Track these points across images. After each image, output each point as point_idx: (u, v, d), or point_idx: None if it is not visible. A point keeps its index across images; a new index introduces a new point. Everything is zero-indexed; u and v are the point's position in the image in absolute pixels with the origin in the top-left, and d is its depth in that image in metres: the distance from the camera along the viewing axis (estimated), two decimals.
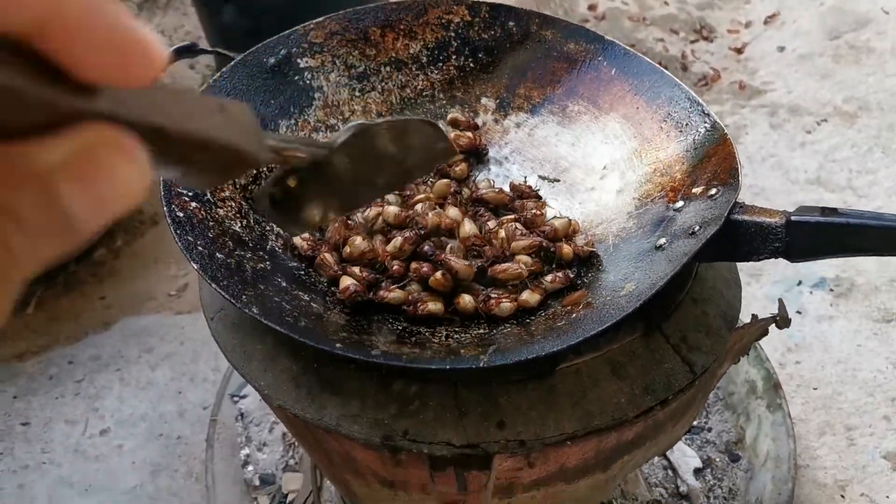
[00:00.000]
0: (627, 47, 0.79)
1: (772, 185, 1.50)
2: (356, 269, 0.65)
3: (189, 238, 0.62)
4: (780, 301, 0.71)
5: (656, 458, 0.99)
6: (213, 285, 0.58)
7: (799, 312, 1.22)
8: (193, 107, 0.21)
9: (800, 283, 1.27)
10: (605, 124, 0.78)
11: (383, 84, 0.83)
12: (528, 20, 0.83)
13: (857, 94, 1.68)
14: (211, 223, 0.65)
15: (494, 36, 0.84)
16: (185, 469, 1.07)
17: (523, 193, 0.74)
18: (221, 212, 0.67)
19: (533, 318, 0.62)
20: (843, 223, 0.53)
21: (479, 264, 0.65)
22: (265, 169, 0.73)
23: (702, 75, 1.81)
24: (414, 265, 0.63)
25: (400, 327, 0.62)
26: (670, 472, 0.98)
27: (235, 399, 1.10)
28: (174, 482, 1.06)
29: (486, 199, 0.73)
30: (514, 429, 0.58)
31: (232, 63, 0.76)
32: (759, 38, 1.90)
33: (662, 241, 0.61)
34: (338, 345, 0.55)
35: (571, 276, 0.64)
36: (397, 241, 0.65)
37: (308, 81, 0.80)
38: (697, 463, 0.99)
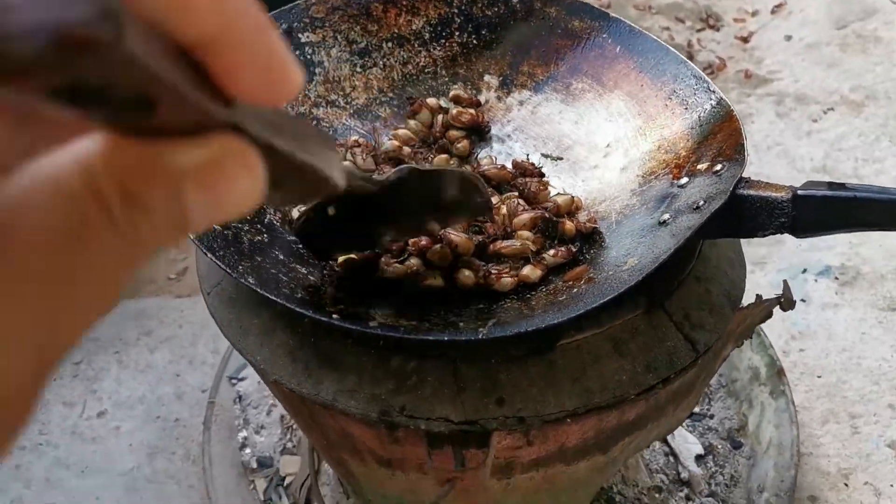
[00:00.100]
0: (632, 24, 0.78)
1: (777, 173, 1.48)
2: None
3: None
4: (785, 283, 0.70)
5: (657, 444, 0.98)
6: (209, 255, 0.57)
7: (803, 300, 1.21)
8: (297, 129, 0.21)
9: (805, 270, 1.25)
10: (609, 102, 0.77)
11: (385, 60, 0.82)
12: None
13: (864, 83, 1.66)
14: None
15: (498, 12, 0.83)
16: (182, 451, 1.06)
17: (526, 171, 0.73)
18: None
19: (534, 293, 0.61)
20: (850, 197, 0.52)
21: (480, 240, 0.64)
22: None
23: (707, 64, 1.80)
24: (413, 239, 0.62)
25: (398, 301, 0.61)
26: (671, 459, 0.97)
27: (234, 381, 1.09)
28: (171, 464, 1.05)
29: (488, 175, 0.72)
30: (514, 405, 0.57)
31: None
32: (765, 27, 1.89)
33: (666, 216, 0.60)
34: (334, 315, 0.54)
35: (574, 250, 0.63)
36: None
37: (309, 56, 0.79)
38: (699, 449, 0.98)
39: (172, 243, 0.18)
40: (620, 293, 0.52)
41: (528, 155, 0.75)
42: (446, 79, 0.82)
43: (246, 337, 0.64)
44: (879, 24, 1.79)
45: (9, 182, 0.16)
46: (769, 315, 0.72)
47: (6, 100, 0.16)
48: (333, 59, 0.80)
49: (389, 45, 0.82)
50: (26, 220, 0.15)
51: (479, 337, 0.52)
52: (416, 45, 0.83)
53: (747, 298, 0.68)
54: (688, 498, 0.93)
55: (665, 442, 0.98)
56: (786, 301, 0.70)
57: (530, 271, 0.61)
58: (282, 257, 0.63)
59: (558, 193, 0.70)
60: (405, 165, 0.47)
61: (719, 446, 0.99)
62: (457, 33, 0.83)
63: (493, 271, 0.61)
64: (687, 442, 0.98)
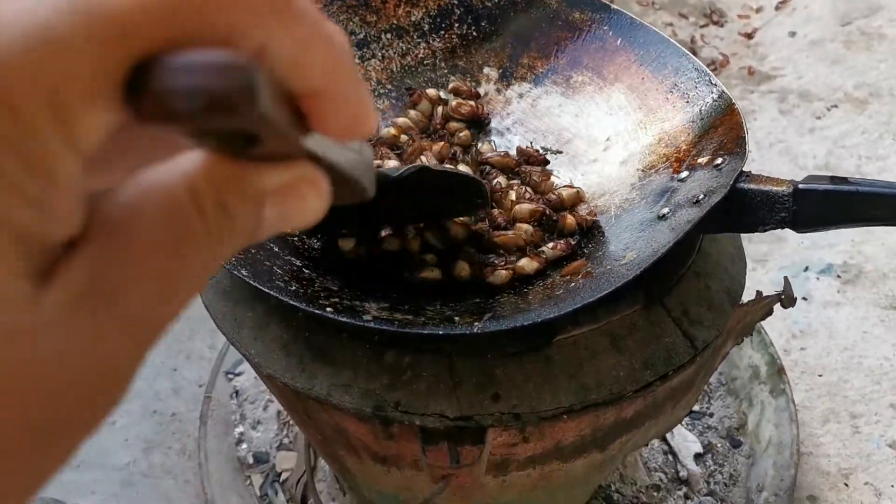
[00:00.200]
0: (633, 16, 0.77)
1: (779, 170, 1.47)
2: None
3: None
4: (786, 279, 0.69)
5: (656, 443, 0.97)
6: None
7: (805, 298, 1.20)
8: (348, 144, 0.24)
9: (806, 268, 1.25)
10: (609, 95, 0.76)
11: (384, 52, 0.81)
12: None
13: (868, 81, 1.65)
14: None
15: (498, 3, 0.82)
16: (178, 446, 1.06)
17: (531, 158, 0.72)
18: None
19: (531, 287, 0.60)
20: (852, 191, 0.51)
21: (483, 227, 0.63)
22: None
23: (710, 60, 1.78)
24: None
25: (394, 295, 0.60)
26: (670, 457, 0.96)
27: (230, 376, 1.08)
28: (167, 459, 1.04)
29: (491, 162, 0.71)
30: (510, 401, 0.56)
31: None
32: (769, 23, 1.88)
33: (665, 210, 0.59)
34: (328, 308, 0.53)
35: (573, 243, 0.62)
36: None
37: None
38: (698, 448, 0.97)
39: (244, 245, 0.20)
40: (617, 288, 0.51)
41: (531, 142, 0.74)
42: (445, 71, 0.81)
43: (240, 330, 0.63)
44: (884, 21, 1.78)
45: (113, 197, 0.18)
46: (770, 312, 0.71)
47: (153, 133, 0.19)
48: None
49: (388, 36, 0.81)
50: (139, 230, 0.18)
51: (475, 331, 0.51)
52: (415, 37, 0.82)
53: (748, 296, 0.68)
54: (686, 497, 0.92)
55: (664, 440, 0.97)
56: (786, 298, 0.69)
57: (526, 263, 0.60)
58: (276, 249, 0.62)
59: (565, 186, 0.69)
60: (418, 164, 0.51)
61: (719, 445, 0.98)
62: (456, 25, 0.82)
63: (487, 264, 0.61)
64: (686, 440, 0.97)
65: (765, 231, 0.56)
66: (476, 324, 0.52)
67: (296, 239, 0.64)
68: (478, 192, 0.56)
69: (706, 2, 1.96)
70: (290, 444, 1.00)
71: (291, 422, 1.02)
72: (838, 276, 1.24)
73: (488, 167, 0.71)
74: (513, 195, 0.65)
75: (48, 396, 0.17)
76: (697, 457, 0.96)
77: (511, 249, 0.62)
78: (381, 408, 0.57)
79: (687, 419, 1.00)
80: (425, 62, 0.81)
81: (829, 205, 0.52)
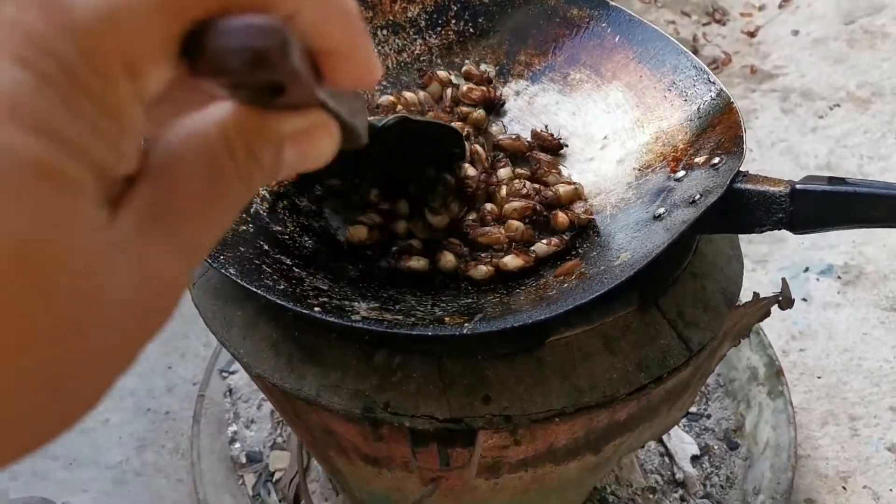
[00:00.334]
0: (632, 13, 0.76)
1: (781, 170, 1.46)
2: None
3: None
4: (784, 280, 0.68)
5: (653, 444, 0.97)
6: None
7: (805, 299, 1.19)
8: (343, 93, 0.26)
9: (807, 269, 1.23)
10: (607, 93, 0.75)
11: (379, 48, 0.80)
12: None
13: (871, 80, 1.64)
14: None
15: (495, 0, 0.81)
16: (171, 445, 1.05)
17: (545, 141, 0.71)
18: None
19: (523, 287, 0.59)
20: (850, 192, 0.50)
21: (466, 223, 0.63)
22: None
23: (713, 59, 1.77)
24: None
25: (385, 295, 0.59)
26: (667, 459, 0.95)
27: (224, 375, 1.07)
28: (160, 458, 1.04)
29: (502, 145, 0.70)
30: (500, 403, 0.55)
31: None
32: (772, 21, 1.86)
33: (661, 210, 0.58)
34: (316, 308, 0.52)
35: (566, 238, 0.61)
36: None
37: None
38: (695, 450, 0.96)
39: (266, 184, 0.24)
40: (609, 289, 0.50)
41: (546, 126, 0.74)
42: (442, 67, 0.80)
43: (230, 329, 0.62)
44: (888, 19, 1.77)
45: (162, 140, 0.22)
46: (767, 314, 0.70)
47: (201, 86, 0.22)
48: None
49: (384, 32, 0.80)
50: (184, 168, 0.21)
51: (464, 332, 0.50)
52: (411, 33, 0.81)
53: (747, 296, 0.67)
54: (682, 499, 0.91)
55: (661, 442, 0.96)
56: (784, 300, 0.68)
57: (510, 260, 0.59)
58: (266, 248, 0.61)
59: (563, 182, 0.68)
60: (399, 114, 0.53)
61: (716, 447, 0.97)
62: (453, 21, 0.81)
63: (474, 258, 0.60)
64: (683, 442, 0.96)
65: (762, 232, 0.55)
66: (466, 325, 0.51)
67: (286, 237, 0.64)
68: (456, 142, 0.58)
69: (709, 0, 1.95)
70: (283, 443, 0.99)
71: (285, 421, 1.01)
72: (839, 277, 1.23)
73: (499, 152, 0.71)
74: (504, 191, 0.64)
75: (124, 309, 0.19)
76: (694, 459, 0.95)
77: (497, 246, 0.61)
78: (370, 409, 0.56)
79: (684, 421, 0.99)
80: (421, 59, 0.80)
81: (826, 206, 0.51)
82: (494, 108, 0.77)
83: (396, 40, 0.81)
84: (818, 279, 1.23)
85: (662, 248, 0.51)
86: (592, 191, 0.68)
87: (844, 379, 1.09)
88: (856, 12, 1.80)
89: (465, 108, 0.75)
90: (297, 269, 0.59)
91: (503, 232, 0.61)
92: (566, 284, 0.56)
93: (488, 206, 0.64)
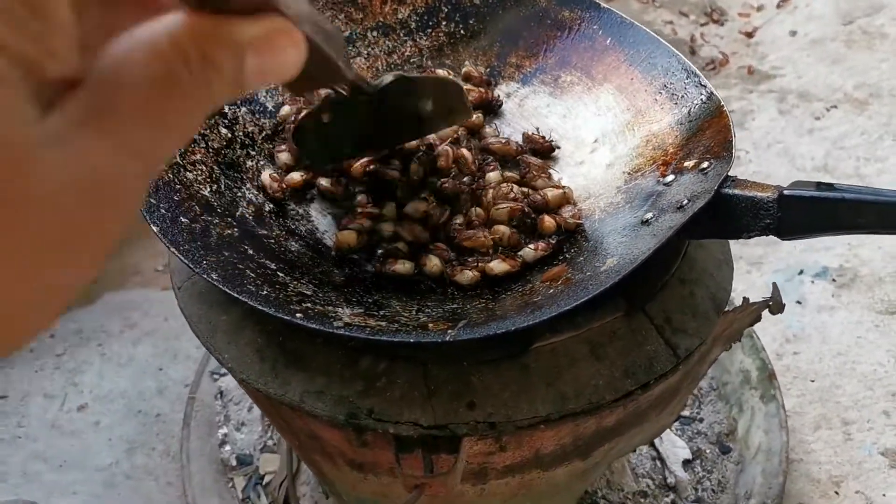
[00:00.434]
0: (624, 15, 0.75)
1: (777, 171, 1.46)
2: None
3: (151, 200, 0.59)
4: (774, 285, 0.68)
5: (645, 448, 0.96)
6: (172, 249, 0.55)
7: (799, 302, 1.18)
8: (322, 25, 0.27)
9: (801, 272, 1.23)
10: (597, 96, 0.74)
11: (369, 49, 0.79)
12: None
13: (869, 81, 1.63)
14: (178, 186, 0.62)
15: (486, 2, 0.80)
16: (162, 447, 1.05)
17: (537, 144, 0.71)
18: (190, 175, 0.64)
19: (510, 293, 0.59)
20: (838, 198, 0.49)
21: (451, 227, 0.63)
22: (242, 131, 0.70)
23: (710, 59, 1.76)
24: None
25: (370, 300, 0.58)
26: (658, 463, 0.95)
27: (215, 377, 1.07)
28: (150, 460, 1.03)
29: (491, 149, 0.70)
30: (485, 410, 0.55)
31: None
32: (770, 21, 1.85)
33: (649, 215, 0.58)
34: (298, 314, 0.52)
35: (553, 242, 0.61)
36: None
37: None
38: (687, 454, 0.95)
39: (233, 97, 0.24)
40: (594, 296, 0.50)
41: (537, 128, 0.73)
42: (432, 70, 0.79)
43: (214, 334, 0.62)
44: (886, 20, 1.76)
45: (107, 50, 0.21)
46: (758, 319, 0.69)
47: None
48: None
49: (374, 34, 0.80)
50: (129, 74, 0.21)
51: (447, 339, 0.50)
52: (401, 35, 0.80)
53: (744, 298, 0.66)
54: (673, 503, 0.91)
55: (652, 446, 0.96)
56: (775, 304, 0.67)
57: (496, 265, 0.59)
58: (251, 252, 0.60)
59: (552, 186, 0.67)
60: (396, 72, 0.53)
61: (708, 451, 0.97)
62: (444, 23, 0.81)
63: (460, 262, 0.60)
64: (675, 446, 0.96)
65: (749, 238, 0.54)
66: (449, 332, 0.50)
67: (272, 241, 0.63)
68: (458, 97, 0.59)
69: (707, 0, 1.94)
70: (273, 445, 0.99)
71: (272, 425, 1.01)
72: (833, 280, 1.22)
73: (488, 155, 0.70)
74: (490, 195, 0.63)
75: (57, 201, 0.20)
76: (686, 463, 0.95)
77: (483, 251, 0.61)
78: (354, 415, 0.55)
79: (676, 424, 0.99)
80: (412, 61, 0.80)
81: (814, 212, 0.51)
82: (492, 109, 0.76)
83: (387, 42, 0.80)
84: (813, 282, 1.22)
85: (648, 254, 0.51)
86: (582, 195, 0.68)
87: (838, 383, 1.08)
88: (854, 13, 1.79)
89: None
90: (281, 274, 0.59)
91: (489, 235, 0.61)
92: (552, 290, 0.55)
93: (475, 210, 0.63)
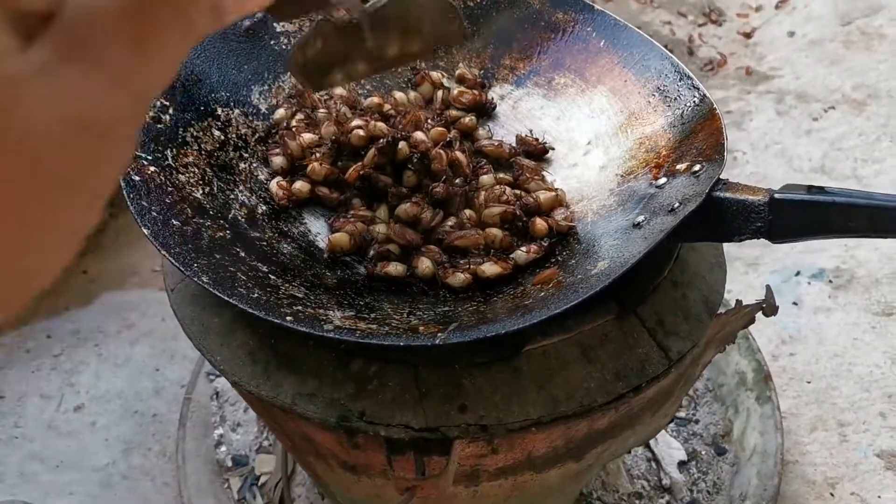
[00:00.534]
0: (617, 17, 0.75)
1: (774, 172, 1.46)
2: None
3: (143, 203, 0.59)
4: (768, 287, 0.68)
5: (640, 450, 0.96)
6: (163, 252, 0.55)
7: (795, 303, 1.18)
8: None
9: (798, 273, 1.23)
10: (591, 98, 0.74)
11: None
12: None
13: (867, 82, 1.63)
14: (170, 189, 0.62)
15: (480, 3, 0.80)
16: (158, 447, 1.05)
17: (530, 146, 0.71)
18: (182, 178, 0.64)
19: (501, 295, 0.59)
20: (829, 202, 0.50)
21: (442, 229, 0.63)
22: (235, 133, 0.70)
23: (708, 60, 1.76)
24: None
25: (361, 302, 0.58)
26: (654, 464, 0.95)
27: (211, 378, 1.07)
28: (147, 461, 1.03)
29: (485, 151, 0.70)
30: (476, 412, 0.55)
31: None
32: (769, 22, 1.85)
33: (641, 218, 0.58)
34: (288, 317, 0.52)
35: (545, 245, 0.61)
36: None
37: (284, 46, 0.77)
38: (682, 455, 0.95)
39: (216, 24, 0.23)
40: (584, 299, 0.50)
41: (531, 130, 0.73)
42: (426, 72, 0.79)
43: (207, 336, 0.62)
44: (885, 20, 1.76)
45: None
46: (752, 321, 0.69)
47: None
48: None
49: None
50: (102, 3, 0.21)
51: (436, 342, 0.50)
52: None
53: (744, 299, 0.66)
54: None
55: (648, 447, 0.96)
56: (768, 307, 0.67)
57: (488, 267, 0.59)
58: (243, 255, 0.60)
59: (544, 188, 0.67)
60: None
61: (703, 452, 0.97)
62: None
63: (452, 265, 0.60)
64: (670, 447, 0.96)
65: (741, 241, 0.54)
66: (440, 335, 0.51)
67: (264, 244, 0.63)
68: (454, 17, 0.57)
69: (706, 0, 1.94)
70: (269, 446, 0.99)
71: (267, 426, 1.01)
72: (830, 282, 1.22)
73: (481, 158, 0.70)
74: (482, 197, 0.63)
75: (49, 136, 0.20)
76: (681, 464, 0.95)
77: (476, 252, 0.61)
78: (345, 418, 0.55)
79: (672, 426, 0.99)
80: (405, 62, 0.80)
81: (805, 215, 0.51)
82: (486, 112, 0.76)
83: None
84: (809, 283, 1.22)
85: (638, 257, 0.51)
86: (574, 197, 0.68)
87: (834, 384, 1.08)
88: (853, 13, 1.79)
89: (455, 112, 0.75)
90: (273, 277, 0.59)
91: (481, 233, 0.61)
92: (543, 293, 0.55)
93: (467, 212, 0.63)
